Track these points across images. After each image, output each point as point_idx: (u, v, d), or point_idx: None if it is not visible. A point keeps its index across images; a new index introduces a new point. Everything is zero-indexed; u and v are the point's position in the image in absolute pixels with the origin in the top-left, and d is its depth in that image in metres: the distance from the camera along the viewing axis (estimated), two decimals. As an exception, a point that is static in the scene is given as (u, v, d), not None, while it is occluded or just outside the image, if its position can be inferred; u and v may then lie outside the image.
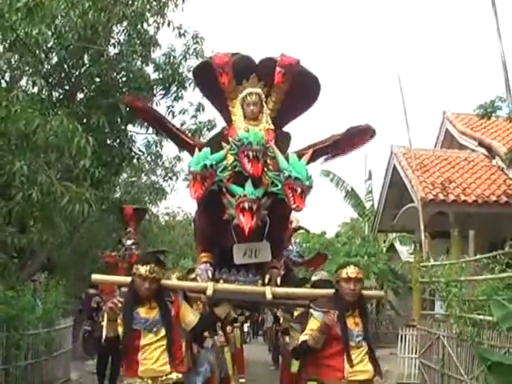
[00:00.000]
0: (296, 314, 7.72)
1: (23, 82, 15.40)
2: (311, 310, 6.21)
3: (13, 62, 14.59)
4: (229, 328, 11.58)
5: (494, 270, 10.39)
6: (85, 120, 14.28)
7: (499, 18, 12.47)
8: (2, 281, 11.02)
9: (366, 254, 22.56)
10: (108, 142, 15.65)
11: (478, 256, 11.50)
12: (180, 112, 16.77)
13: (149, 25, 15.50)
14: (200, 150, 6.02)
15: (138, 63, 16.16)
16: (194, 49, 16.19)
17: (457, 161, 19.94)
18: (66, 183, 11.63)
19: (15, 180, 10.82)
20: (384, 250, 26.59)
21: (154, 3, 15.05)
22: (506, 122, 16.21)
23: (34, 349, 12.09)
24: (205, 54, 15.69)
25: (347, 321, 6.02)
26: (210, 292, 5.93)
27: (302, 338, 6.07)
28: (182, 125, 16.37)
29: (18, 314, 11.03)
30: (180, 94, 16.33)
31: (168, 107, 16.56)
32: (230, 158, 6.02)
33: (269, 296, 5.96)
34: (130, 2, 14.47)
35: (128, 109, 14.04)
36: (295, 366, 8.28)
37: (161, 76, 16.13)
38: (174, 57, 16.12)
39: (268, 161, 6.06)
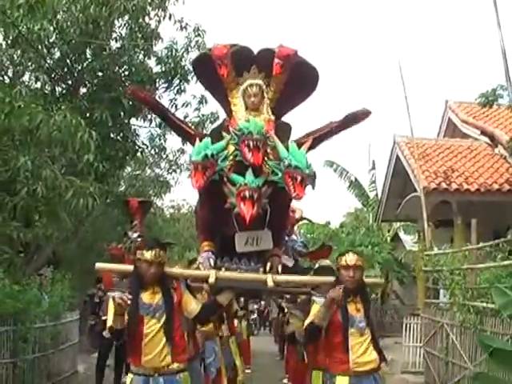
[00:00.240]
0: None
1: (26, 78, 15.52)
2: (313, 297, 6.28)
3: (15, 58, 14.65)
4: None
5: (496, 257, 10.46)
6: (88, 114, 14.37)
7: (498, 7, 12.48)
8: (8, 275, 11.07)
9: (370, 244, 22.54)
10: (111, 135, 15.71)
11: (481, 244, 11.52)
12: (183, 105, 16.86)
13: (150, 18, 15.51)
14: (201, 140, 6.08)
15: (140, 57, 16.20)
16: (196, 41, 16.23)
17: (459, 150, 19.91)
18: (70, 178, 11.70)
19: (20, 175, 10.91)
20: (388, 239, 26.56)
21: (155, -3, 15.07)
22: (508, 110, 16.19)
23: (40, 342, 12.12)
24: (207, 46, 15.63)
25: (348, 307, 6.08)
26: (212, 280, 5.97)
27: (308, 320, 6.09)
28: (185, 117, 16.41)
29: (24, 308, 11.07)
30: (183, 87, 16.41)
31: (171, 100, 16.66)
32: (231, 148, 6.07)
33: (270, 283, 6.01)
34: (132, -4, 14.48)
35: (131, 102, 14.14)
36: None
37: (163, 69, 16.18)
38: (176, 50, 16.15)
39: (268, 150, 6.11)
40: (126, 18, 15.22)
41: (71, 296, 14.12)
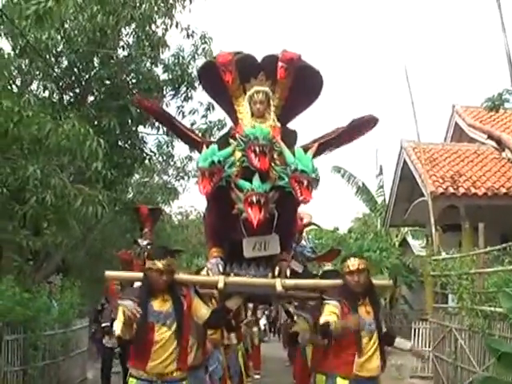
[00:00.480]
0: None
1: (34, 86, 15.58)
2: (324, 301, 6.30)
3: (23, 67, 14.73)
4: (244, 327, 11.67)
5: (504, 262, 10.46)
6: (96, 122, 14.42)
7: (503, 11, 12.49)
8: (18, 283, 11.15)
9: (378, 249, 22.56)
10: (119, 143, 15.77)
11: (489, 248, 11.51)
12: (190, 112, 16.93)
13: (157, 26, 15.56)
14: (208, 146, 6.12)
15: (148, 65, 16.25)
16: (203, 49, 16.28)
17: (466, 154, 19.92)
18: (79, 186, 11.79)
19: (29, 184, 10.99)
20: (396, 244, 26.56)
21: (162, 5, 15.10)
22: (515, 114, 16.20)
23: (50, 349, 12.20)
24: (213, 53, 15.64)
25: (359, 310, 6.12)
26: (221, 285, 6.01)
27: (325, 317, 6.01)
28: (192, 125, 16.47)
29: (34, 316, 11.14)
30: (190, 94, 16.44)
31: (178, 107, 16.72)
32: (238, 154, 6.11)
33: (279, 288, 6.05)
34: (138, 5, 14.53)
35: (138, 110, 14.20)
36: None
37: (170, 77, 16.22)
38: (183, 57, 16.22)
39: (275, 156, 6.14)
40: (133, 26, 15.30)
41: (80, 303, 14.19)
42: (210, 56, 15.63)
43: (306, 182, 5.79)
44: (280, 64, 6.26)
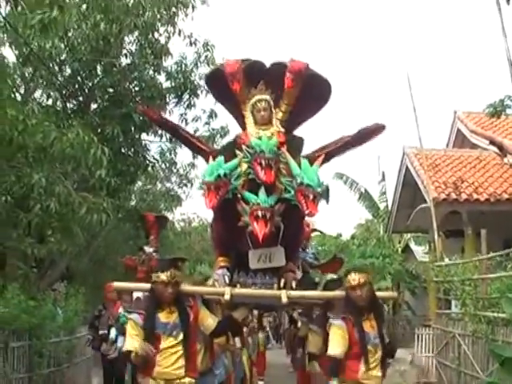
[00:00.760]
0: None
1: (37, 94, 15.66)
2: (330, 320, 6.38)
3: (27, 75, 14.81)
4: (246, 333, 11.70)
5: (506, 267, 10.48)
6: (99, 130, 14.49)
7: (504, 17, 12.52)
8: (23, 291, 11.19)
9: (381, 255, 22.53)
10: (123, 151, 15.84)
11: (491, 254, 11.55)
12: (193, 119, 17.07)
13: (160, 34, 15.68)
14: (214, 158, 6.17)
15: (150, 72, 16.33)
16: (205, 56, 16.35)
17: (468, 160, 19.91)
18: (83, 193, 11.84)
19: (33, 192, 11.04)
20: (399, 250, 26.51)
21: (165, 13, 15.18)
22: (517, 120, 16.22)
23: (55, 356, 12.22)
24: (216, 61, 15.80)
25: (364, 324, 6.20)
26: (227, 297, 6.07)
27: (333, 351, 6.20)
28: (195, 132, 16.49)
29: (39, 323, 11.17)
30: (192, 102, 16.53)
31: (181, 115, 16.81)
32: (244, 166, 6.16)
33: (284, 299, 6.11)
34: (141, 13, 14.63)
35: (141, 118, 14.25)
36: (312, 366, 8.37)
37: (173, 84, 16.30)
38: (186, 65, 16.29)
39: (281, 166, 6.18)
40: (136, 34, 15.41)
41: (85, 310, 14.20)
42: (212, 63, 15.76)
43: (311, 196, 5.84)
44: (287, 74, 6.31)
